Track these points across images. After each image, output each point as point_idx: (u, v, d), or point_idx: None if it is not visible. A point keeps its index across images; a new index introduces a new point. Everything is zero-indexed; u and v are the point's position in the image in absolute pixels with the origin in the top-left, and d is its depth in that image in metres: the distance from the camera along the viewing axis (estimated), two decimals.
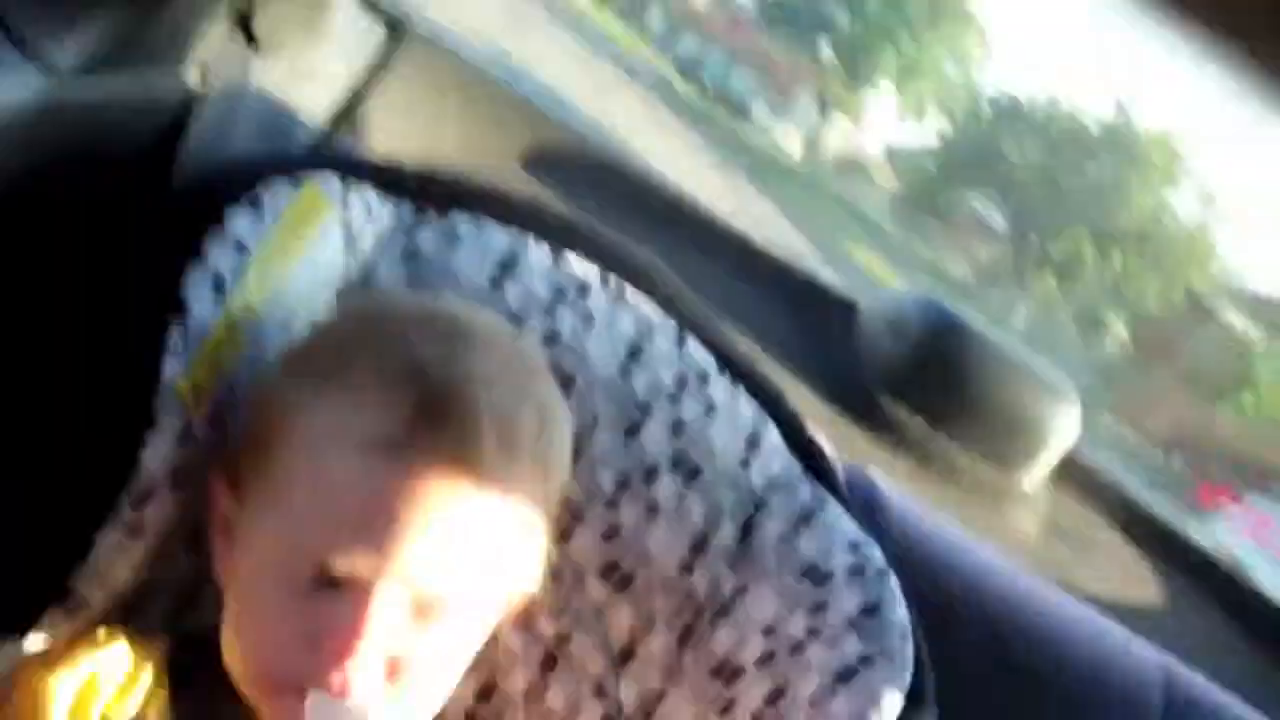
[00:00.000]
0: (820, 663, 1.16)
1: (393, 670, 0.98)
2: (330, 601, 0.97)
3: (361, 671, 0.96)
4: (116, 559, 0.99)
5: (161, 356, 0.97)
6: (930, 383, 2.21)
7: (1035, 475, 2.26)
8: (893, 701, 1.14)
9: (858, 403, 1.33)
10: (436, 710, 1.04)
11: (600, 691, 1.23)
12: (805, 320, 1.51)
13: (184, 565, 1.10)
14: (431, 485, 0.96)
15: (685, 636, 1.24)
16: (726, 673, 1.20)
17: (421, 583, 0.97)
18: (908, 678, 1.16)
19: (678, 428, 1.24)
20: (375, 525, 0.96)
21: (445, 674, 1.04)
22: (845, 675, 1.14)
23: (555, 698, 1.22)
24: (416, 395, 0.96)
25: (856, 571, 1.22)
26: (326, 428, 0.97)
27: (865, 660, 1.16)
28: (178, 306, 0.99)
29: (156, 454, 0.98)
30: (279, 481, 0.99)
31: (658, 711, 1.23)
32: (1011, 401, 2.26)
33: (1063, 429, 2.27)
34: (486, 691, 1.21)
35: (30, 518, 0.94)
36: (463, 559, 0.99)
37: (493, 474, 0.98)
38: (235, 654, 1.01)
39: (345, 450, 0.96)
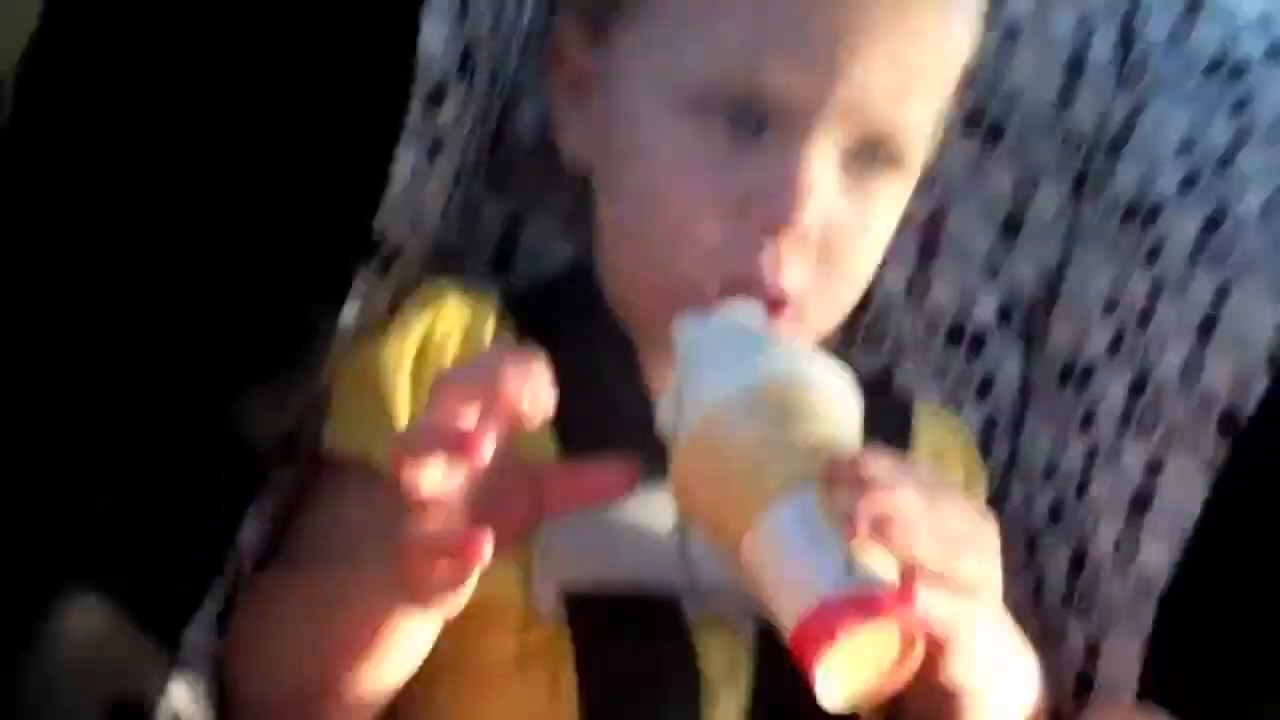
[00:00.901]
0: (1259, 168, 0.93)
1: (824, 244, 0.79)
2: (755, 153, 0.77)
3: (799, 244, 0.77)
4: (421, 186, 0.80)
5: None
6: None
7: None
8: (1264, 329, 0.89)
9: None
10: (856, 296, 0.86)
11: (992, 272, 1.00)
12: None
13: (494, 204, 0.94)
14: None
15: (1080, 184, 1.01)
16: (1142, 214, 0.98)
17: (871, 115, 0.78)
18: None
19: None
20: (811, 38, 0.76)
21: (878, 247, 0.85)
22: (1205, 329, 0.91)
23: (942, 290, 1.01)
24: None
25: (1277, 51, 0.98)
26: None
27: None
28: None
29: (436, 33, 0.77)
30: (670, 7, 0.79)
31: (1065, 282, 1.01)
32: None
33: None
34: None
35: (312, 148, 0.75)
36: (916, 81, 0.79)
37: None
38: (624, 250, 0.84)
39: None
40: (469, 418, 0.63)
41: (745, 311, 0.77)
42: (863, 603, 0.61)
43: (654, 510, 0.78)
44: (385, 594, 0.68)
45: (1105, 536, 0.92)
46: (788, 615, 0.63)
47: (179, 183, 0.75)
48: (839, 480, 0.63)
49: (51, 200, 0.74)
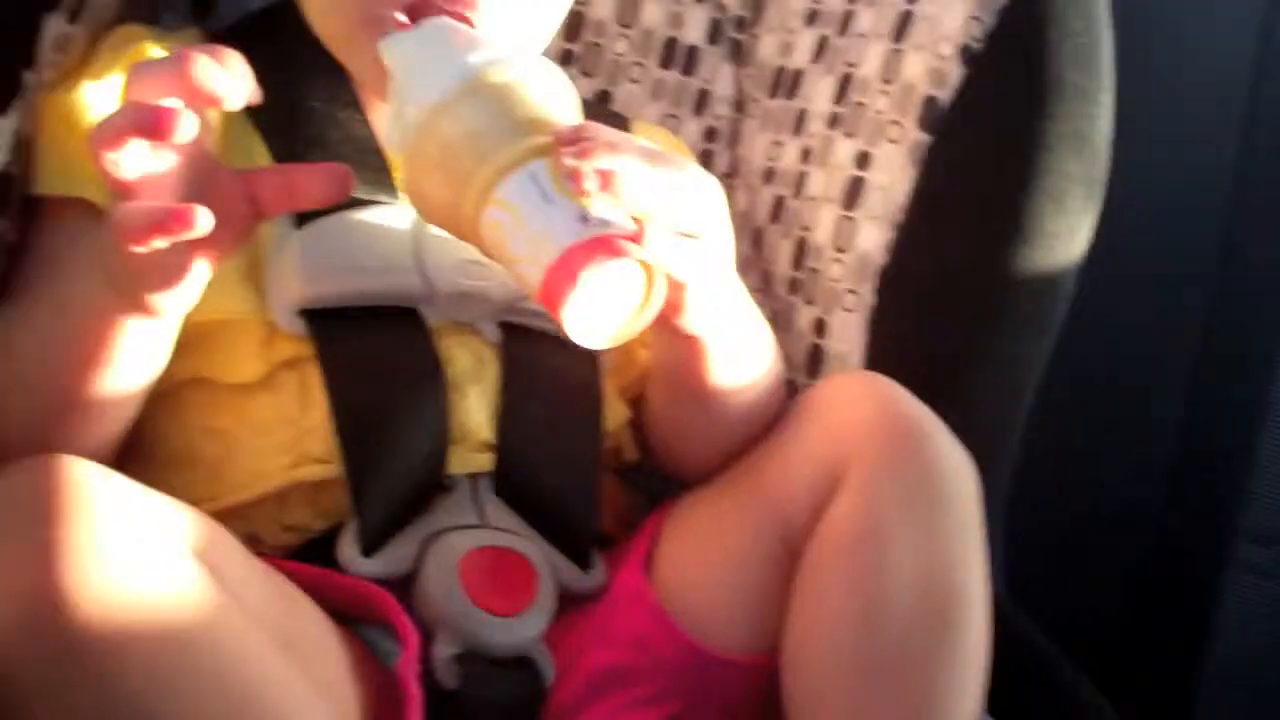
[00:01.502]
0: (873, 26, 0.98)
1: None
2: None
3: None
4: None
5: None
6: None
7: None
8: (956, 23, 0.95)
9: None
10: (548, 21, 0.86)
11: None
12: None
13: None
14: None
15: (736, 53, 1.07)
16: (786, 84, 1.03)
17: None
18: None
19: None
20: None
21: None
22: (900, 28, 0.96)
23: (652, 13, 1.03)
24: None
25: None
26: None
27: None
28: None
29: None
30: None
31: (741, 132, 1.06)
32: None
33: None
34: (572, 24, 1.02)
35: None
36: None
37: None
38: None
39: None
40: (163, 100, 0.61)
41: (442, 24, 0.76)
42: (601, 244, 0.64)
43: (386, 224, 0.80)
44: (111, 302, 0.67)
45: (824, 225, 0.97)
46: (533, 273, 0.65)
47: None
48: (564, 145, 0.66)
49: None
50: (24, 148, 0.79)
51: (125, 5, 0.85)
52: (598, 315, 0.66)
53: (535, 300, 0.66)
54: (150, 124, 0.60)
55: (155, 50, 0.81)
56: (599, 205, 0.66)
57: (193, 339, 0.73)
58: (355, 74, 0.84)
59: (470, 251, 0.74)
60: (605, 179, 0.65)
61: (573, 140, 0.66)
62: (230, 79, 0.63)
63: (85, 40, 0.81)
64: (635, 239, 0.66)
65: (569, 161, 0.65)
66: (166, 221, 0.60)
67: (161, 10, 0.92)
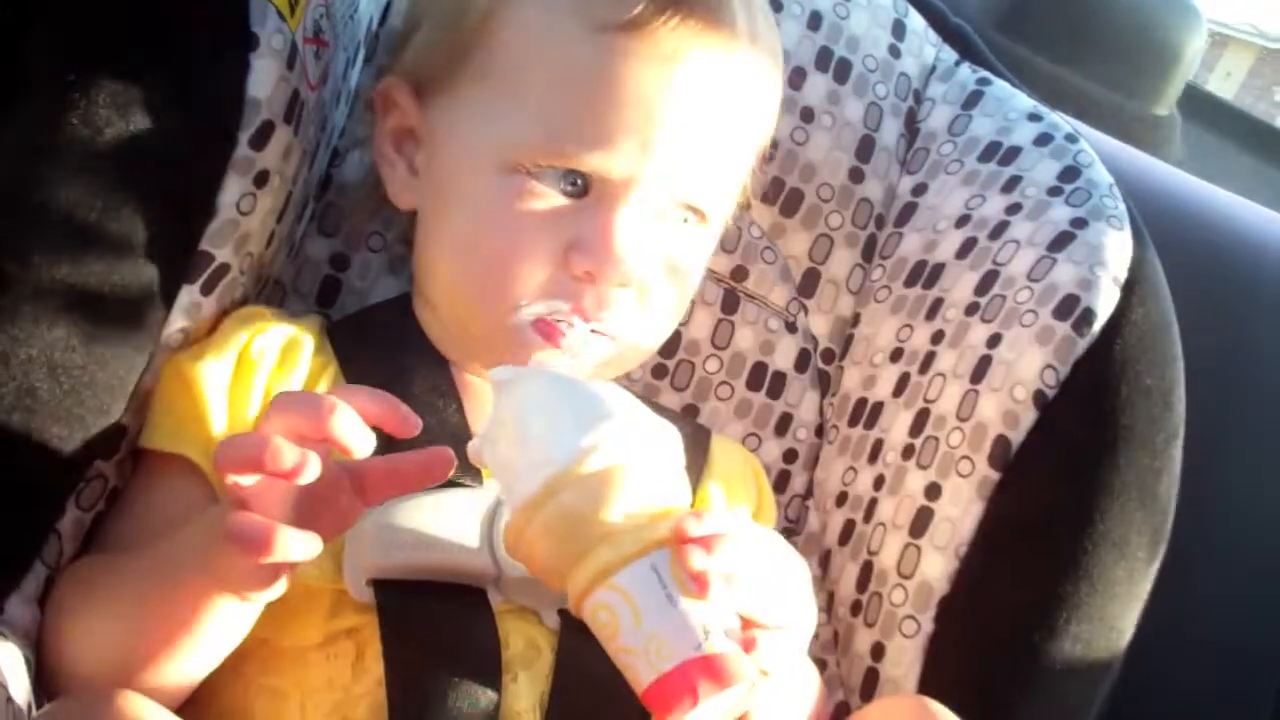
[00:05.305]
0: (1029, 236, 1.03)
1: (642, 288, 0.87)
2: (577, 211, 0.85)
3: (618, 288, 0.85)
4: (247, 214, 0.87)
5: None
6: (1046, 11, 2.11)
7: (1168, 99, 2.11)
8: (1118, 255, 1.00)
9: (963, 46, 1.19)
10: (669, 334, 0.94)
11: (791, 326, 1.10)
12: None
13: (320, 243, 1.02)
14: (688, 68, 0.84)
15: (869, 250, 1.12)
16: (925, 275, 1.07)
17: (682, 183, 0.86)
18: (1128, 232, 1.02)
19: (815, 21, 1.13)
20: (631, 118, 0.83)
21: (688, 291, 0.92)
22: (1060, 242, 1.01)
23: (745, 338, 1.10)
24: None
25: (1043, 140, 1.10)
26: (553, 15, 0.85)
27: (1078, 223, 1.02)
28: None
29: (264, 79, 0.85)
30: (499, 80, 0.86)
31: (857, 334, 1.11)
32: (1140, 21, 2.11)
33: (1195, 46, 2.12)
34: (669, 341, 1.09)
35: (139, 168, 0.81)
36: (720, 153, 0.88)
37: (743, 55, 0.86)
38: (445, 287, 0.90)
39: (583, 36, 0.84)
40: (295, 443, 0.66)
41: (563, 366, 0.82)
42: (719, 668, 0.66)
43: (463, 505, 0.84)
44: (207, 583, 0.71)
45: (890, 552, 1.00)
46: (643, 669, 0.67)
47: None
48: (685, 542, 0.68)
49: None
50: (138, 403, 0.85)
51: (255, 287, 0.94)
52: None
53: (637, 693, 0.68)
54: (279, 466, 0.65)
55: (275, 329, 0.89)
56: (717, 609, 0.68)
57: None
58: (462, 362, 0.90)
59: None
60: (727, 583, 0.68)
61: (696, 537, 0.68)
62: (365, 436, 0.68)
63: (213, 311, 0.88)
64: (747, 648, 0.68)
65: (695, 562, 0.67)
66: (280, 548, 0.65)
67: (289, 295, 1.01)
